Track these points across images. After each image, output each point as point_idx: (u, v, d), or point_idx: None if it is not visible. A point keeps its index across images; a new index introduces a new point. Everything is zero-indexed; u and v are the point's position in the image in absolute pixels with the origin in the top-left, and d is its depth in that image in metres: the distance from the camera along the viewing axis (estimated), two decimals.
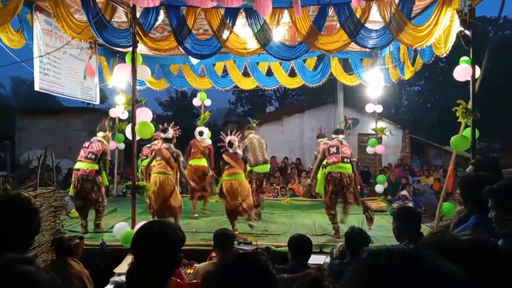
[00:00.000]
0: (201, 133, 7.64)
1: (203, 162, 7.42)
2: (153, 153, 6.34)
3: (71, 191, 6.25)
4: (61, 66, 6.66)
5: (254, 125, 7.97)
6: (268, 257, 1.39)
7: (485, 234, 1.84)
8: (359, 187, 6.28)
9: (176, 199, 6.00)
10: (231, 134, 6.44)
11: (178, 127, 6.68)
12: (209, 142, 7.94)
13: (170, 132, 6.32)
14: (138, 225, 4.91)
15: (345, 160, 5.97)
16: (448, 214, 5.80)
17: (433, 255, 0.80)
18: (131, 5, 5.05)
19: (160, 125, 6.58)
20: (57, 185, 5.04)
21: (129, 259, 4.64)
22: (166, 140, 6.29)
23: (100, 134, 6.48)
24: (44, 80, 6.20)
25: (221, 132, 6.72)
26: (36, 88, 6.12)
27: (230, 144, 6.22)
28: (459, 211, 4.30)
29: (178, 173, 6.19)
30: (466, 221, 2.77)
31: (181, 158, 6.27)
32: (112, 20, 5.60)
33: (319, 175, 6.33)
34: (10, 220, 1.71)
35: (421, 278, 0.73)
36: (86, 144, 6.35)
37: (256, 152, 7.11)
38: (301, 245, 3.27)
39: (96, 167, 6.19)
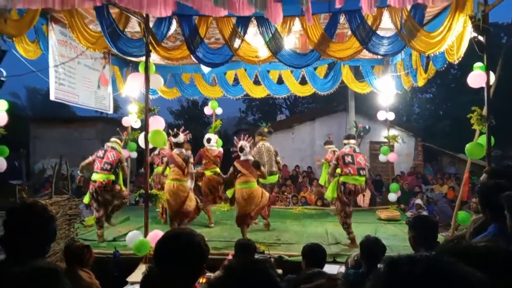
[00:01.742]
0: (208, 140, 7.57)
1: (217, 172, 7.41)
2: (166, 160, 6.38)
3: (86, 199, 6.34)
4: (75, 76, 6.77)
5: (265, 129, 7.93)
6: (272, 265, 1.38)
7: (502, 243, 1.79)
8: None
9: (190, 203, 6.08)
10: (243, 139, 6.46)
11: (187, 131, 6.72)
12: (219, 149, 7.93)
13: (181, 137, 6.37)
14: (150, 234, 4.92)
15: (361, 172, 5.96)
16: (464, 223, 5.69)
17: (456, 261, 0.78)
18: (145, 15, 5.12)
19: (170, 131, 6.65)
20: (72, 193, 5.09)
21: (142, 267, 4.65)
22: (177, 145, 6.33)
23: (113, 139, 6.54)
24: (59, 90, 6.31)
25: (235, 137, 6.74)
26: (52, 97, 6.21)
27: (241, 149, 6.26)
28: (475, 220, 4.22)
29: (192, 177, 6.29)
30: (483, 230, 2.71)
31: (191, 160, 6.30)
32: (126, 30, 5.69)
33: (332, 182, 6.28)
34: (28, 227, 1.72)
35: (445, 284, 0.72)
36: (100, 153, 6.39)
37: (263, 162, 7.05)
38: (315, 254, 3.23)
39: (113, 177, 6.28)
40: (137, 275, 4.49)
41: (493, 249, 1.12)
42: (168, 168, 6.27)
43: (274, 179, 7.30)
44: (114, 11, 5.39)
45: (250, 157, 6.29)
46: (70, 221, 4.88)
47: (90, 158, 6.43)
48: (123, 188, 6.62)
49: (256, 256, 4.48)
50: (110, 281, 3.95)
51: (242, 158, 6.23)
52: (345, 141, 6.44)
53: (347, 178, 5.92)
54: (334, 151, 8.09)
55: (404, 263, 0.77)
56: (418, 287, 0.72)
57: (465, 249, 1.14)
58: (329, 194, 6.33)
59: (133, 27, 6.10)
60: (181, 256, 1.62)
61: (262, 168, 6.35)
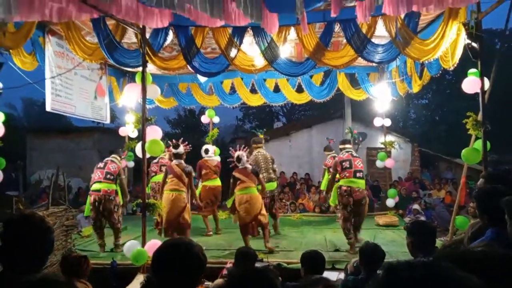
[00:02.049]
0: (206, 151, 7.54)
1: (218, 182, 7.35)
2: (165, 170, 6.37)
3: (87, 211, 6.28)
4: (72, 87, 6.78)
5: (261, 136, 7.91)
6: (277, 274, 1.38)
7: (499, 247, 1.80)
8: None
9: (186, 215, 6.05)
10: (239, 150, 6.45)
11: (186, 142, 6.73)
12: (218, 159, 7.92)
13: (181, 148, 6.37)
14: (148, 244, 4.90)
15: (358, 174, 6.02)
16: (462, 228, 5.69)
17: (453, 266, 0.79)
18: (141, 26, 5.16)
19: (169, 141, 6.64)
20: (68, 204, 5.07)
21: (140, 277, 4.63)
22: (176, 156, 6.32)
23: (112, 156, 6.53)
24: (56, 101, 6.31)
25: (230, 148, 6.74)
26: (48, 108, 6.22)
27: (238, 159, 6.26)
28: (473, 225, 4.22)
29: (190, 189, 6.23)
30: (481, 235, 2.72)
31: (193, 174, 6.28)
32: (122, 41, 5.73)
33: (334, 189, 6.40)
34: (25, 239, 1.72)
35: None
36: (101, 164, 6.37)
37: (260, 170, 7.03)
38: (314, 261, 3.23)
39: (115, 187, 6.25)
40: (135, 285, 4.47)
41: (490, 254, 1.13)
42: (155, 177, 6.27)
43: (273, 186, 7.27)
44: (110, 22, 5.43)
45: (248, 166, 6.30)
46: (67, 232, 4.86)
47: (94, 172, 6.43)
48: (121, 201, 6.56)
49: (257, 264, 4.47)
50: None
51: (240, 167, 6.25)
52: (341, 146, 6.48)
53: (343, 182, 6.04)
54: (333, 157, 8.13)
55: (403, 268, 0.78)
56: None
57: (463, 254, 1.15)
58: (332, 201, 6.45)
59: (130, 38, 6.13)
60: (179, 266, 1.61)
61: (260, 176, 6.37)
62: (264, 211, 6.17)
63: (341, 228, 6.15)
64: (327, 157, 8.28)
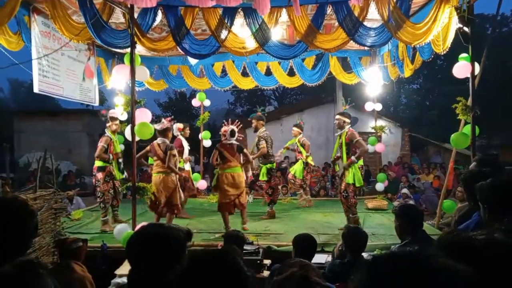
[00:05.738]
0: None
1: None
2: (146, 149, 5.99)
3: None
4: (60, 68, 6.63)
5: (259, 114, 7.75)
6: (238, 253, 1.30)
7: (500, 234, 1.82)
8: None
9: (176, 197, 5.95)
10: (232, 124, 6.35)
11: (172, 118, 6.51)
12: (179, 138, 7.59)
13: (163, 124, 6.00)
14: (138, 227, 4.90)
15: None
16: (449, 212, 5.80)
17: (438, 255, 0.79)
18: (129, 6, 5.03)
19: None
20: (57, 187, 5.02)
21: None
22: (160, 133, 5.93)
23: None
24: (43, 82, 6.18)
25: (223, 121, 6.63)
26: (36, 90, 6.09)
27: (233, 133, 6.17)
28: (460, 209, 4.28)
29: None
30: (468, 218, 2.76)
31: (174, 151, 5.89)
32: (110, 21, 5.59)
33: (355, 169, 5.98)
34: (7, 223, 1.69)
35: (429, 279, 0.73)
36: None
37: (271, 152, 7.17)
38: (306, 244, 3.25)
39: (98, 163, 6.33)
40: (125, 267, 4.48)
41: (491, 242, 1.14)
42: (151, 159, 6.19)
43: (273, 165, 7.31)
44: (97, 1, 5.29)
45: (235, 142, 6.21)
46: (55, 215, 4.81)
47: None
48: (117, 176, 6.54)
49: (246, 247, 4.50)
50: (98, 274, 3.92)
51: (227, 142, 6.12)
52: (341, 117, 6.27)
53: (362, 162, 6.12)
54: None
55: (387, 260, 0.78)
56: (401, 283, 0.73)
57: (465, 240, 1.15)
58: (360, 181, 5.99)
59: (118, 18, 5.99)
60: (148, 250, 1.59)
61: (245, 150, 6.29)
62: (244, 192, 6.23)
63: (352, 205, 6.06)
64: (294, 130, 8.56)
